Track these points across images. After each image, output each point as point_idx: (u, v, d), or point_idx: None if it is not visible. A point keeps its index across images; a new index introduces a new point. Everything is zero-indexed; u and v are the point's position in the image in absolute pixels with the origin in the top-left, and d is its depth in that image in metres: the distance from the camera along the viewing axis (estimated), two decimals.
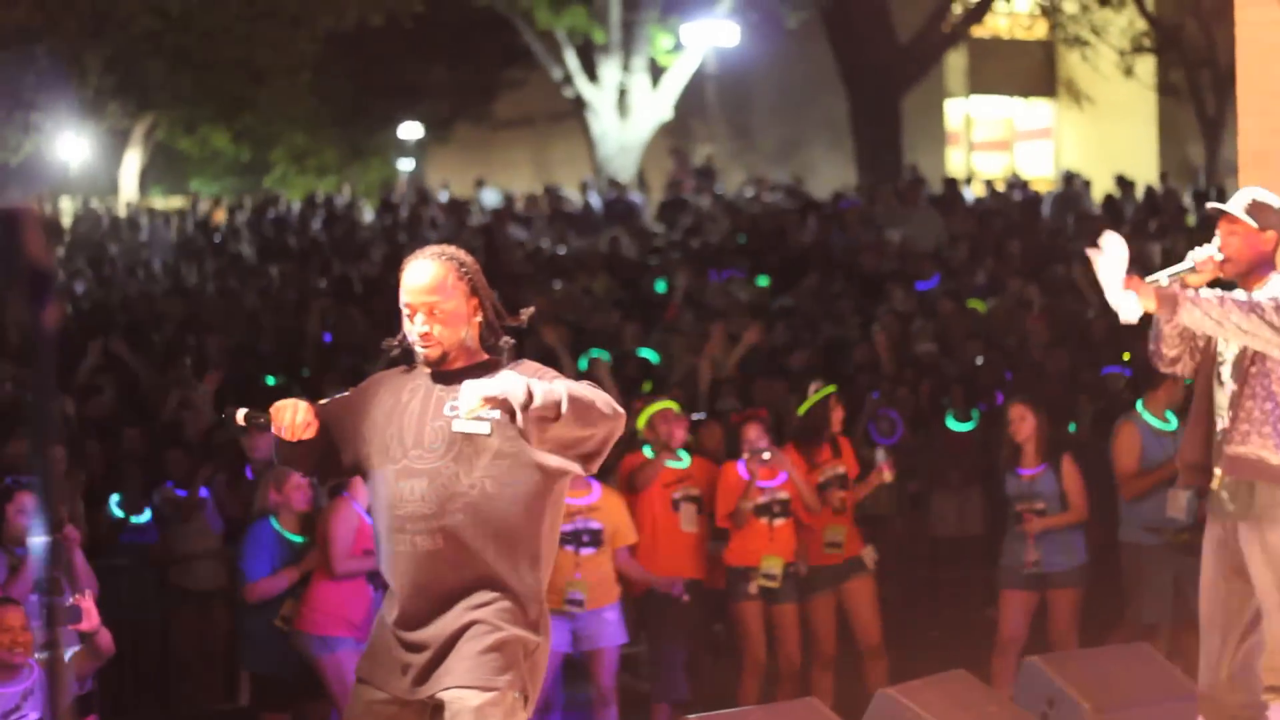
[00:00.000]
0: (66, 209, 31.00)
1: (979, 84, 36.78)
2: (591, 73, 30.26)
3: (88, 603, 7.81)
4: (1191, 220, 20.98)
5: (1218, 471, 7.10)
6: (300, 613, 9.81)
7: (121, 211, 29.70)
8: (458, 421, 5.62)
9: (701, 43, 30.25)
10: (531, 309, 5.95)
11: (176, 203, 32.98)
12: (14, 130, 26.35)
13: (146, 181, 34.00)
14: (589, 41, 29.95)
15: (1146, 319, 7.14)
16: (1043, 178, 32.73)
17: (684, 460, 10.70)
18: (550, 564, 5.79)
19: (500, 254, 19.44)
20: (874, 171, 27.33)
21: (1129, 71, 30.75)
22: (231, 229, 26.60)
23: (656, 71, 30.35)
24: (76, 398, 13.07)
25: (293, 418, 5.65)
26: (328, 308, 16.84)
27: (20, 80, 25.61)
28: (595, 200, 26.30)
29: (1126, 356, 13.41)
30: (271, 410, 5.69)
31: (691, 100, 32.34)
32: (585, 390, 5.46)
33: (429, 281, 5.69)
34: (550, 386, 5.37)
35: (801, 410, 10.91)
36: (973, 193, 26.39)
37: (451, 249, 5.80)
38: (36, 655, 7.72)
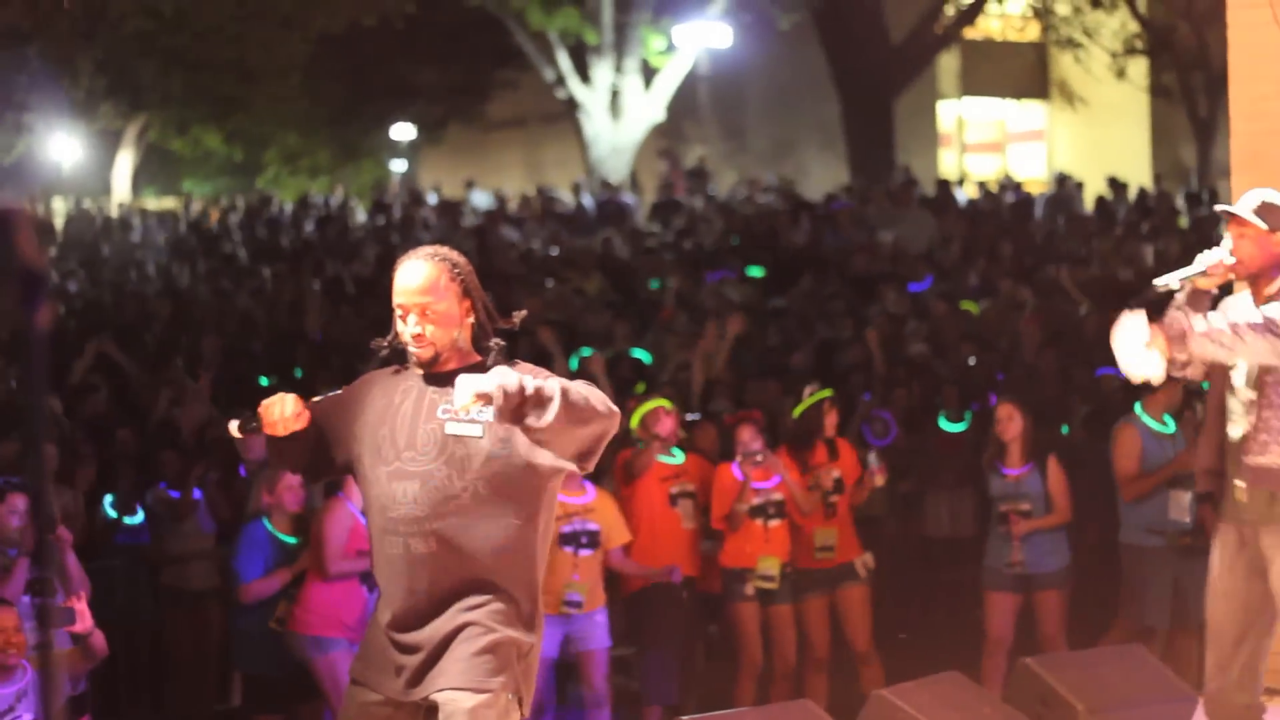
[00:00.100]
0: (59, 210, 30.98)
1: (971, 86, 36.81)
2: (584, 74, 30.26)
3: (81, 604, 7.80)
4: (1184, 222, 21.00)
5: (1239, 483, 7.05)
6: (294, 614, 9.81)
7: (114, 212, 29.69)
8: (450, 424, 5.62)
9: (694, 44, 30.25)
10: (524, 311, 5.94)
11: (169, 203, 32.99)
12: (6, 131, 26.32)
13: (139, 182, 34.00)
14: (581, 43, 29.95)
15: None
16: (1035, 179, 32.77)
17: (678, 456, 10.70)
18: (544, 564, 5.78)
19: (493, 255, 19.44)
20: (866, 173, 27.35)
21: (1121, 73, 30.78)
22: (224, 229, 26.59)
23: (649, 73, 30.35)
24: (70, 398, 13.05)
25: (282, 411, 5.65)
26: (325, 308, 16.83)
27: (12, 81, 25.58)
28: (588, 201, 26.31)
29: None
30: (260, 409, 5.69)
31: (684, 102, 32.35)
32: (580, 388, 5.46)
33: (422, 282, 5.69)
34: (544, 384, 5.37)
35: (796, 412, 10.91)
36: (965, 194, 26.40)
37: (444, 250, 5.80)
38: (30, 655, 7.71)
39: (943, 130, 37.17)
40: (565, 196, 27.65)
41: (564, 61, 30.20)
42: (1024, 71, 36.23)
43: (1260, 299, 7.00)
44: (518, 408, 5.30)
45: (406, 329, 5.71)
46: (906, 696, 8.01)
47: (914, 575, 12.81)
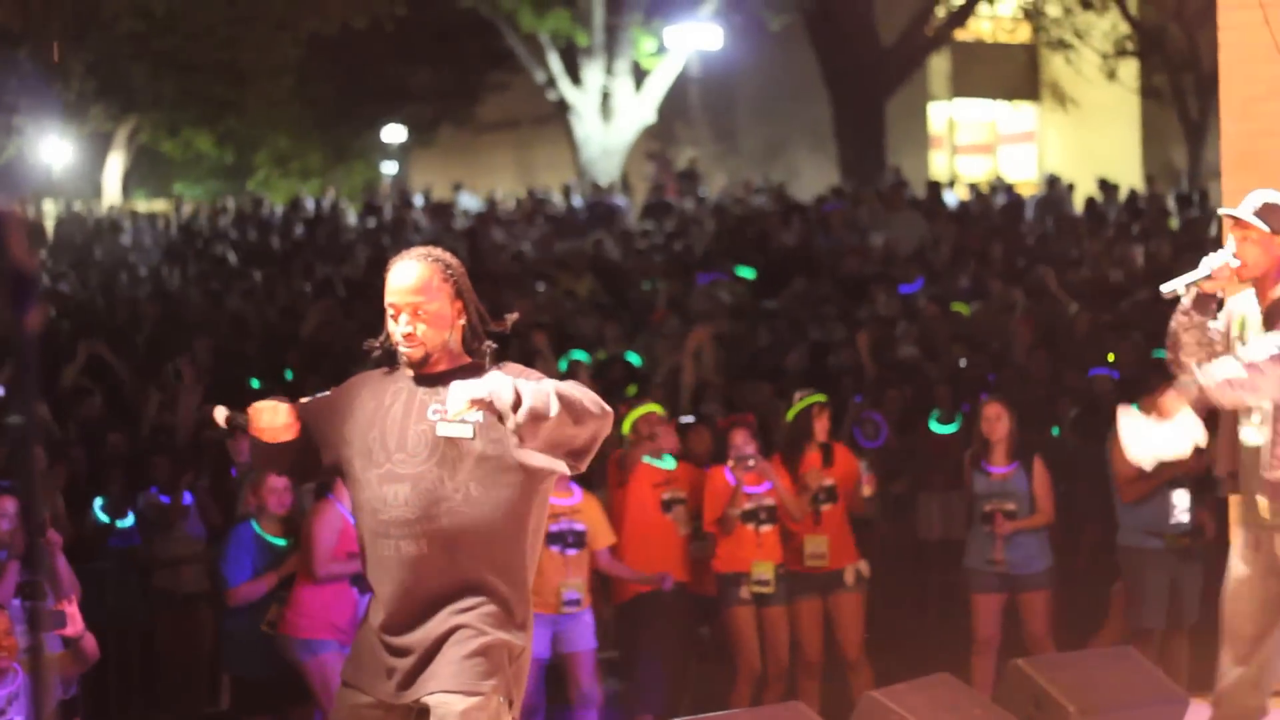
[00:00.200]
0: (49, 212, 30.93)
1: (962, 87, 36.83)
2: (575, 76, 30.25)
3: (72, 608, 7.79)
4: (1174, 223, 21.01)
5: (1261, 499, 7.01)
6: (284, 616, 9.79)
7: (105, 214, 29.65)
8: (441, 425, 5.60)
9: (684, 46, 30.25)
10: (516, 315, 5.93)
11: (160, 206, 32.94)
12: None
13: (130, 184, 33.96)
14: (572, 44, 29.94)
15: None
16: (1026, 181, 32.77)
17: (669, 463, 10.69)
18: (535, 566, 5.78)
19: (484, 257, 19.44)
20: (857, 175, 27.35)
21: (1112, 75, 30.80)
22: (215, 232, 26.56)
23: (640, 74, 30.35)
24: (62, 401, 13.04)
25: (271, 419, 5.64)
26: (322, 310, 16.80)
27: (2, 83, 25.56)
28: (579, 203, 26.30)
29: (1111, 358, 13.44)
30: (250, 411, 5.67)
31: (675, 103, 32.34)
32: (573, 389, 5.46)
33: (414, 282, 5.68)
34: (538, 387, 5.36)
35: (790, 415, 10.90)
36: (957, 196, 26.42)
37: (438, 251, 5.79)
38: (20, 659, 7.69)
39: (933, 132, 37.19)
40: (556, 198, 27.64)
41: (555, 63, 30.19)
42: (1015, 73, 36.24)
43: (1265, 300, 6.99)
44: (511, 411, 5.30)
45: (398, 329, 5.70)
46: (898, 698, 8.01)
47: (906, 577, 12.81)
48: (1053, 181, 25.38)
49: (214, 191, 33.57)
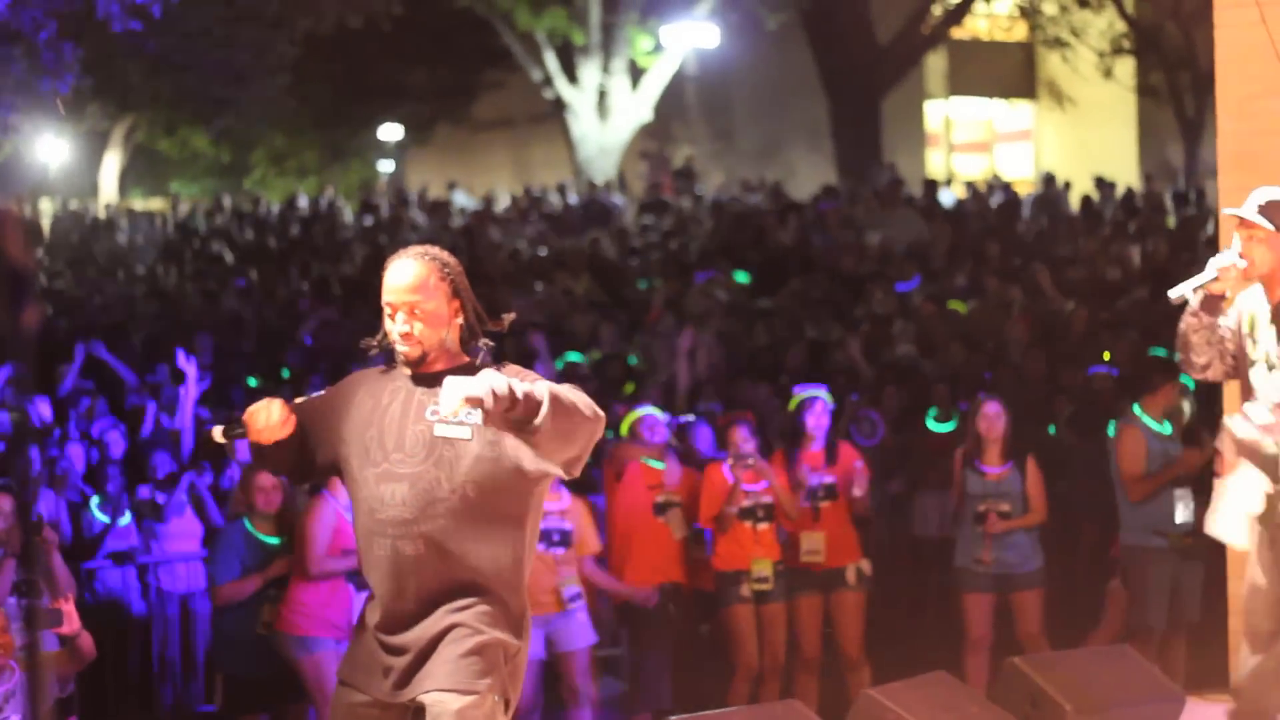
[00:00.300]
0: (46, 210, 30.94)
1: (959, 85, 36.84)
2: (571, 74, 30.25)
3: (68, 606, 7.78)
4: (1171, 222, 21.01)
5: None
6: (280, 614, 9.78)
7: (101, 213, 29.66)
8: (439, 425, 5.60)
9: (681, 44, 30.25)
10: (513, 315, 5.92)
11: (156, 204, 32.94)
12: None
13: (126, 183, 33.96)
14: (569, 43, 29.94)
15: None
16: (1023, 179, 32.78)
17: (665, 464, 10.69)
18: (530, 567, 5.78)
19: (480, 256, 19.43)
20: (854, 174, 27.35)
21: (1109, 73, 30.81)
22: (212, 230, 26.57)
23: (636, 73, 30.35)
24: (61, 400, 13.05)
25: (267, 418, 5.63)
26: (320, 311, 16.83)
27: None
28: (574, 202, 26.30)
29: (1106, 356, 13.44)
30: (245, 415, 5.66)
31: (671, 102, 32.34)
32: (567, 392, 5.45)
33: (411, 280, 5.68)
34: (532, 388, 5.35)
35: (792, 405, 10.88)
36: (954, 194, 26.41)
37: (435, 249, 5.78)
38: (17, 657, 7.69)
39: (930, 130, 37.19)
40: (553, 197, 27.64)
41: (551, 62, 30.19)
42: (1011, 71, 36.26)
43: (1275, 297, 6.98)
44: (506, 411, 5.29)
45: (395, 327, 5.69)
46: (895, 696, 8.01)
47: (902, 575, 12.81)
48: (1049, 180, 25.38)
49: (210, 190, 33.57)
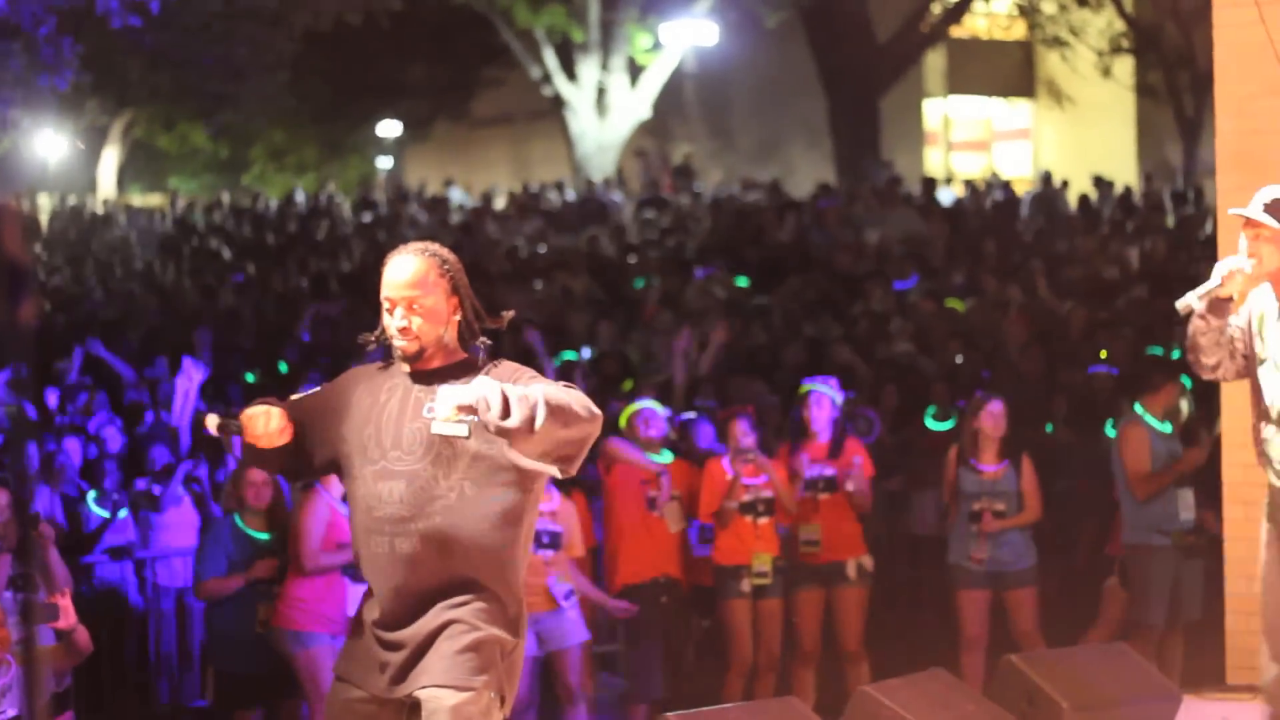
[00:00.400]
0: (44, 206, 30.94)
1: (957, 84, 36.86)
2: (570, 71, 30.25)
3: (64, 601, 7.78)
4: (1169, 221, 21.02)
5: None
6: (276, 609, 9.77)
7: (99, 209, 29.65)
8: (436, 423, 5.59)
9: (680, 42, 30.25)
10: (512, 312, 5.91)
11: (155, 200, 32.94)
12: None
13: (124, 178, 33.96)
14: (568, 40, 29.95)
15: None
16: (1021, 178, 32.80)
17: (665, 457, 10.68)
18: (526, 565, 5.78)
19: (479, 253, 19.43)
20: (853, 172, 27.36)
21: (1107, 72, 30.83)
22: (210, 226, 26.57)
23: (635, 70, 30.36)
24: (60, 395, 13.05)
25: (265, 426, 5.61)
26: (318, 310, 16.82)
27: None
28: (573, 199, 26.31)
29: (1104, 355, 13.44)
30: (243, 418, 5.63)
31: (670, 99, 32.35)
32: (562, 393, 5.44)
33: (410, 276, 5.67)
34: (527, 391, 5.34)
35: (802, 391, 10.87)
36: (952, 193, 26.42)
37: (434, 246, 5.77)
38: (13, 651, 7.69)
39: (929, 128, 37.21)
40: (551, 194, 27.65)
41: (550, 59, 30.19)
42: (1010, 70, 36.28)
43: None
44: (501, 418, 5.28)
45: (393, 322, 5.69)
46: (891, 693, 8.01)
47: (900, 572, 12.82)
48: (1047, 178, 25.39)
49: (209, 186, 33.59)
